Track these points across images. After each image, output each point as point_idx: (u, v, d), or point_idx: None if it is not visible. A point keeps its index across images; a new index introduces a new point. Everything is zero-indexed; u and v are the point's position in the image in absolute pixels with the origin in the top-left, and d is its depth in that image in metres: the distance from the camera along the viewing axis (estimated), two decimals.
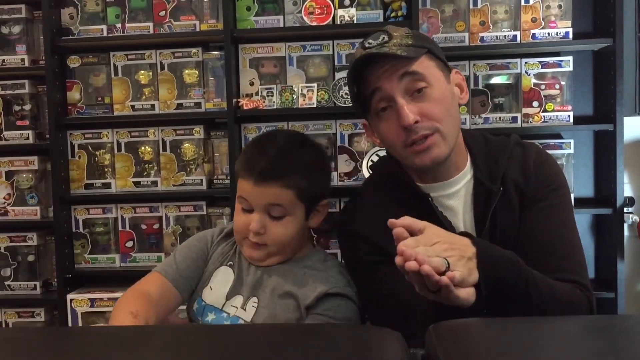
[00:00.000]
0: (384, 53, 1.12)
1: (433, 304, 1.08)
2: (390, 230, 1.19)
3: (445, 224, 1.18)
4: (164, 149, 2.35)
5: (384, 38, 1.15)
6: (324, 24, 2.22)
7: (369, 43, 1.16)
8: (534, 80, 2.24)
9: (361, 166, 2.25)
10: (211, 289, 1.36)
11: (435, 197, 1.21)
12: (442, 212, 1.19)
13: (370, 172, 1.39)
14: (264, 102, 2.24)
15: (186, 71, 2.33)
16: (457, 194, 1.22)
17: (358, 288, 1.26)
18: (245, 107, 2.23)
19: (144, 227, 2.35)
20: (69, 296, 2.25)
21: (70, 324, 2.22)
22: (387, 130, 1.17)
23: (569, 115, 2.21)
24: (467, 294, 0.94)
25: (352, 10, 2.21)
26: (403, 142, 1.15)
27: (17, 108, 2.40)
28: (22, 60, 2.36)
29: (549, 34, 2.19)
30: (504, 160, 1.22)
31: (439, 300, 0.95)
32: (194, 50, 2.31)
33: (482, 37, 2.20)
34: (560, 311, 1.04)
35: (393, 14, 2.19)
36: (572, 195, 2.00)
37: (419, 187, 1.22)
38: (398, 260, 0.92)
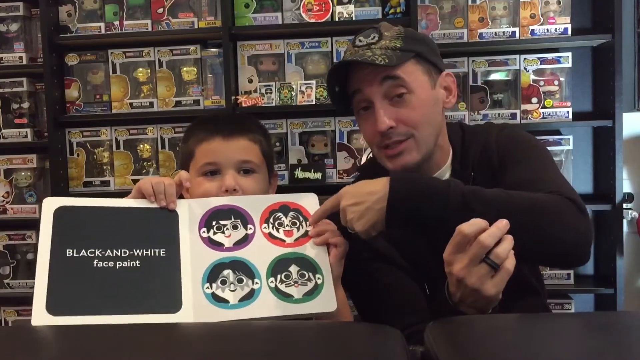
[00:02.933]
0: (363, 60, 1.12)
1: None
2: None
3: None
4: (163, 147, 2.35)
5: (374, 37, 1.15)
6: (323, 20, 2.21)
7: (359, 40, 1.17)
8: (532, 77, 2.24)
9: (360, 163, 2.25)
10: None
11: None
12: None
13: (358, 172, 1.41)
14: (262, 99, 2.24)
15: (184, 68, 2.32)
16: None
17: (349, 285, 1.27)
18: (244, 105, 2.23)
19: None
20: None
21: None
22: (366, 129, 1.19)
23: (567, 112, 2.20)
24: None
25: (351, 7, 2.20)
26: (378, 144, 1.17)
27: (15, 106, 2.39)
28: (20, 58, 2.35)
29: (547, 30, 2.19)
30: (475, 146, 1.22)
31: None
32: (192, 47, 2.30)
33: (481, 34, 2.20)
34: (534, 214, 0.97)
35: (392, 11, 2.19)
36: None
37: None
38: None
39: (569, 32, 2.18)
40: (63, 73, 2.37)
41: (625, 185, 2.28)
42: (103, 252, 0.96)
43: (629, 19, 2.30)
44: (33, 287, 2.54)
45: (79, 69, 2.37)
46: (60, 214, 0.99)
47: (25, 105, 2.39)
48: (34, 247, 2.38)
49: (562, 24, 2.19)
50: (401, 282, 1.19)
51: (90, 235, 0.98)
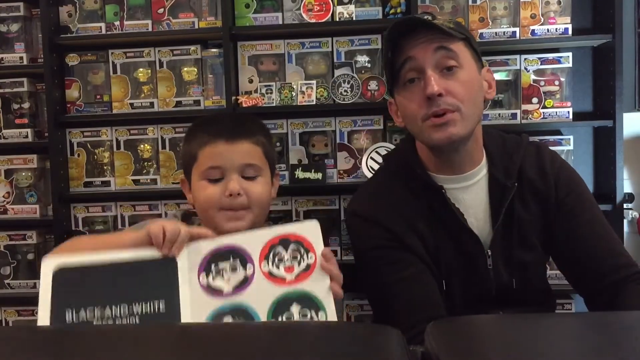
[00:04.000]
0: (426, 21, 1.15)
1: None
2: (402, 217, 1.21)
3: (458, 216, 1.19)
4: (163, 147, 2.35)
5: (427, 17, 1.17)
6: (323, 21, 2.21)
7: (410, 19, 1.19)
8: (533, 77, 2.23)
9: (360, 163, 2.25)
10: None
11: (449, 189, 1.22)
12: (454, 204, 1.20)
13: (383, 161, 1.40)
14: (263, 99, 2.24)
15: (185, 69, 2.32)
16: (472, 188, 1.24)
17: (366, 273, 1.25)
18: (244, 105, 2.23)
19: None
20: None
21: None
22: (411, 101, 1.19)
23: (568, 112, 2.20)
24: None
25: (351, 7, 2.20)
26: (424, 115, 1.16)
27: (15, 106, 2.40)
28: (21, 58, 2.35)
29: (548, 30, 2.18)
30: (519, 157, 1.24)
31: None
32: (192, 47, 2.30)
33: (482, 34, 2.20)
34: None
35: (392, 11, 2.19)
36: None
37: (432, 177, 1.22)
38: None
39: (570, 32, 2.18)
40: (63, 73, 2.37)
41: (625, 185, 2.27)
42: (102, 311, 0.97)
43: (629, 18, 2.30)
44: (33, 287, 2.53)
45: (79, 69, 2.37)
46: (59, 275, 0.99)
47: (26, 105, 2.39)
48: (35, 248, 2.38)
49: (563, 24, 2.18)
50: (422, 275, 1.19)
51: (90, 295, 0.98)
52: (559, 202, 1.22)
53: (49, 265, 0.99)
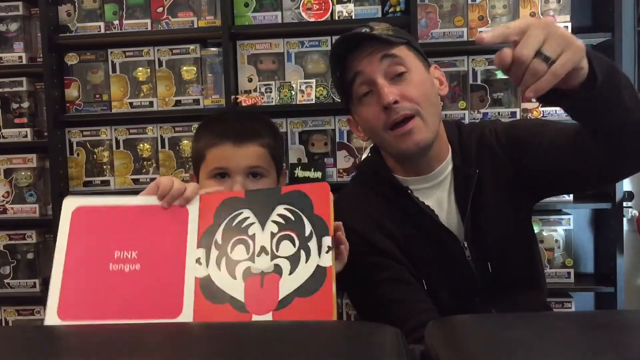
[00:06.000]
0: (365, 34, 1.16)
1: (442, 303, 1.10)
2: (373, 222, 1.22)
3: (429, 213, 1.20)
4: (163, 146, 2.35)
5: (365, 30, 1.18)
6: (322, 19, 2.21)
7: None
8: None
9: (360, 162, 2.25)
10: None
11: (418, 189, 1.23)
12: (423, 203, 1.21)
13: (355, 170, 1.42)
14: (262, 98, 2.24)
15: (184, 68, 2.32)
16: (441, 185, 1.25)
17: (349, 282, 1.27)
18: (243, 104, 2.22)
19: None
20: None
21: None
22: (368, 114, 1.20)
23: None
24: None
25: (351, 6, 2.20)
26: (384, 124, 1.17)
27: (15, 106, 2.39)
28: (20, 57, 2.35)
29: None
30: (472, 143, 1.24)
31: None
32: (192, 46, 2.30)
33: (481, 32, 2.20)
34: None
35: (391, 10, 2.19)
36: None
37: (397, 180, 1.24)
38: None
39: (569, 30, 2.18)
40: (63, 73, 2.37)
41: (625, 183, 2.27)
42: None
43: (628, 17, 2.30)
44: (33, 286, 2.52)
45: (78, 69, 2.37)
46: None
47: (25, 105, 2.39)
48: (34, 247, 2.38)
49: (562, 22, 2.18)
50: (402, 276, 1.20)
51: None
52: (514, 154, 1.22)
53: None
